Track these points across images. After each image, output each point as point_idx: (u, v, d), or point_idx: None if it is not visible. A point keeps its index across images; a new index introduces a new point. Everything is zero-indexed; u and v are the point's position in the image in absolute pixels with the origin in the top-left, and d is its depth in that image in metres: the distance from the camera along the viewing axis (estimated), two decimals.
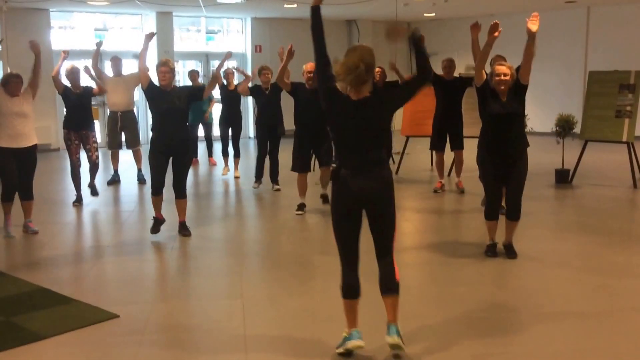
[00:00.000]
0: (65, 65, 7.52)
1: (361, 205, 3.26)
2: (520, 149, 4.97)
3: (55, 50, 12.66)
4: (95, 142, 7.54)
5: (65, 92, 7.43)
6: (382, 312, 3.36)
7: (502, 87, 4.86)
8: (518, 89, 4.89)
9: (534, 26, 4.61)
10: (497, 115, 4.88)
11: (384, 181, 3.26)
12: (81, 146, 7.41)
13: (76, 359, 3.49)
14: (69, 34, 13.30)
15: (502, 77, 4.83)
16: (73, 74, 7.39)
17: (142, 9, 13.13)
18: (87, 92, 7.52)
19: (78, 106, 7.36)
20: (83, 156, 7.51)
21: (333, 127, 3.32)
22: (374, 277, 3.39)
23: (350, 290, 3.30)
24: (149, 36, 5.76)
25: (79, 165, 7.41)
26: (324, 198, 7.02)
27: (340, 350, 3.32)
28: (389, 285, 3.31)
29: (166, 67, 5.61)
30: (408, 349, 3.35)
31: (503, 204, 5.30)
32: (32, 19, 12.24)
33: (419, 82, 3.29)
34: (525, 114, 8.19)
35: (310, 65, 6.71)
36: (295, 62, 6.72)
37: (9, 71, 10.37)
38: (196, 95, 5.84)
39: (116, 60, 8.70)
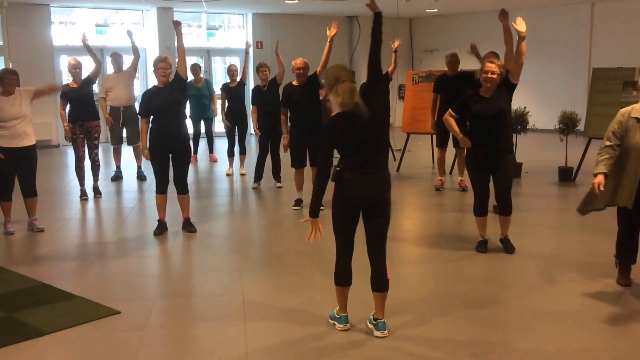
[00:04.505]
0: (68, 59, 7.58)
1: (362, 206, 3.45)
2: (507, 145, 5.02)
3: (57, 46, 12.66)
4: (98, 137, 7.54)
5: (65, 92, 7.43)
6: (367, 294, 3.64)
7: (489, 85, 4.90)
8: (508, 87, 4.94)
9: (522, 27, 4.74)
10: (481, 115, 4.91)
11: (384, 183, 3.46)
12: (85, 140, 7.44)
13: (78, 355, 3.48)
14: (69, 30, 13.27)
15: (490, 75, 4.87)
16: (76, 68, 7.37)
17: (143, 5, 13.10)
18: (86, 83, 7.50)
19: (79, 98, 7.35)
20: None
21: (338, 139, 3.42)
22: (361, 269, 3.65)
23: (344, 278, 3.56)
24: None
25: (84, 159, 7.45)
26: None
27: (332, 324, 3.67)
28: (381, 284, 3.55)
29: (166, 64, 5.58)
30: (407, 347, 3.40)
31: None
32: (33, 14, 12.22)
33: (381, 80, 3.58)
34: (527, 110, 8.24)
35: (299, 61, 6.65)
36: (291, 58, 6.74)
37: (10, 67, 10.40)
38: (180, 81, 5.66)
39: (116, 57, 8.69)
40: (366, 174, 3.39)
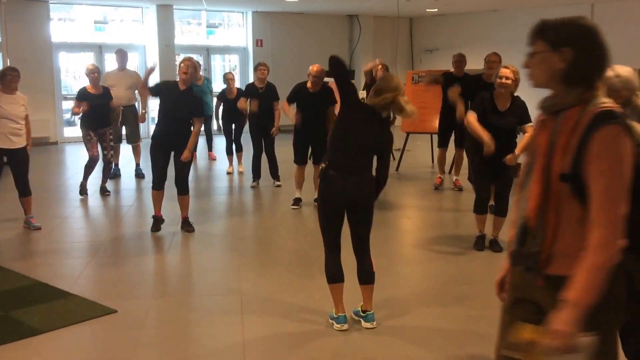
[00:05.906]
0: (87, 64, 7.58)
1: (346, 203, 3.55)
2: (511, 149, 5.03)
3: (55, 43, 12.62)
4: (112, 140, 7.54)
5: (82, 93, 7.34)
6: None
7: (503, 91, 4.90)
8: (519, 119, 4.99)
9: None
10: (494, 127, 4.92)
11: (368, 181, 3.57)
12: (98, 142, 7.41)
13: (74, 354, 3.47)
14: (68, 27, 13.23)
15: (504, 81, 4.86)
16: (93, 72, 7.32)
17: (142, 2, 13.07)
18: (106, 93, 7.48)
19: (97, 106, 7.26)
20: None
21: (342, 131, 3.56)
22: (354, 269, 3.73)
23: (335, 274, 3.62)
24: (150, 71, 6.18)
25: (98, 160, 7.40)
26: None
27: (331, 323, 3.68)
28: (368, 277, 3.68)
29: (191, 63, 5.70)
30: (404, 346, 3.41)
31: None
32: (32, 10, 12.17)
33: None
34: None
35: (316, 68, 6.52)
36: (295, 58, 6.69)
37: (8, 63, 10.36)
38: (197, 113, 5.81)
39: (121, 54, 8.63)
40: (350, 173, 3.50)
